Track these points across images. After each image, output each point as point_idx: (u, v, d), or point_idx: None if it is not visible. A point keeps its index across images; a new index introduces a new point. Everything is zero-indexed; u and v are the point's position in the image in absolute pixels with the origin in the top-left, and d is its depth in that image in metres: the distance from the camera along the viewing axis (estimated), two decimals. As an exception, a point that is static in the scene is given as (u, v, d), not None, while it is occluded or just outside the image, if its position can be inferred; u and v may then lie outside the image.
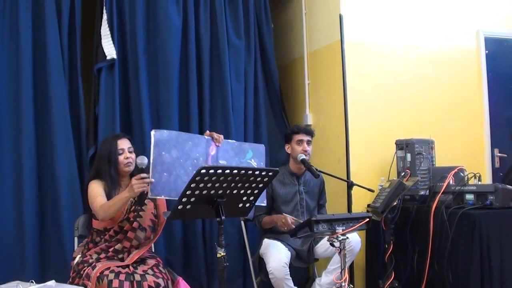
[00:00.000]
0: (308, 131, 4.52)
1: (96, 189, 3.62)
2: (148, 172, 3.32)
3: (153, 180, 3.30)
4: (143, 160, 3.36)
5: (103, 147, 3.79)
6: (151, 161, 3.31)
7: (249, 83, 5.29)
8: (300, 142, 4.45)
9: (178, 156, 3.41)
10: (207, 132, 3.63)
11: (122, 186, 3.75)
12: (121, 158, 3.69)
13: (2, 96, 4.41)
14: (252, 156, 3.73)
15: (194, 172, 3.08)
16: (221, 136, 3.63)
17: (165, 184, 3.37)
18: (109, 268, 3.40)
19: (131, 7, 4.80)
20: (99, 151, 3.86)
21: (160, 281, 3.44)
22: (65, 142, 4.47)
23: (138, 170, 3.38)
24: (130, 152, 3.73)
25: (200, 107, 5.05)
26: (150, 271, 3.49)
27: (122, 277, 3.34)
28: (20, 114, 4.40)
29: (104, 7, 4.66)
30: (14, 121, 4.41)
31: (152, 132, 3.34)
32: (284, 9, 6.09)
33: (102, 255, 3.59)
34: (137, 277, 3.38)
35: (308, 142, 4.47)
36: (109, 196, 3.60)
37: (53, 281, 3.19)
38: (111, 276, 3.32)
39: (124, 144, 3.72)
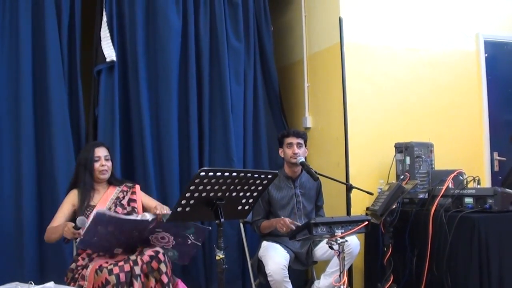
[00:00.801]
0: (298, 134, 4.51)
1: (63, 206, 3.82)
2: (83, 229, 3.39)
3: (82, 237, 3.39)
4: (83, 223, 3.36)
5: (81, 154, 3.98)
6: (85, 227, 3.36)
7: (248, 86, 5.29)
8: (290, 145, 4.45)
9: (113, 230, 3.52)
10: (155, 211, 3.71)
11: (100, 191, 3.93)
12: (96, 165, 3.87)
13: (2, 98, 4.40)
14: (193, 232, 3.80)
15: (124, 239, 3.49)
16: (166, 215, 3.66)
17: (93, 244, 3.54)
18: (107, 261, 3.49)
19: (131, 9, 4.80)
20: (78, 158, 4.01)
21: (158, 248, 3.57)
22: (64, 144, 4.47)
23: (75, 226, 3.39)
24: (106, 160, 3.91)
25: (200, 109, 5.05)
26: (145, 248, 3.62)
27: (120, 263, 3.40)
28: (19, 115, 4.40)
29: (104, 9, 4.66)
30: (14, 122, 4.40)
31: (95, 210, 3.45)
32: (284, 11, 6.09)
33: (94, 255, 3.67)
34: (133, 257, 3.46)
35: (299, 145, 4.45)
36: (81, 202, 3.78)
37: (52, 282, 3.19)
38: (110, 266, 3.37)
39: (101, 152, 3.90)
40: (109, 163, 3.93)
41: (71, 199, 3.84)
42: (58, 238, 3.65)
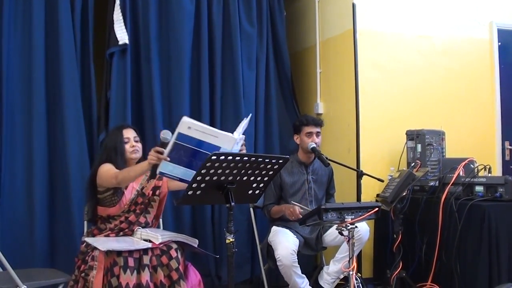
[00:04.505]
0: (318, 123, 4.50)
1: (109, 166, 3.65)
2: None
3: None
4: (166, 135, 3.12)
5: (109, 138, 3.88)
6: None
7: (260, 71, 5.28)
8: (309, 134, 4.44)
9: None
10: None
11: None
12: (127, 146, 3.78)
13: (14, 80, 4.42)
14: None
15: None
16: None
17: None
18: None
19: (144, -8, 4.80)
20: (105, 143, 3.91)
21: (172, 244, 3.54)
22: (76, 127, 4.49)
23: (161, 143, 3.14)
24: (136, 141, 3.82)
25: (212, 94, 5.05)
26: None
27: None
28: (32, 98, 4.42)
29: (117, -8, 4.66)
30: (26, 105, 4.42)
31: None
32: (297, -4, 6.08)
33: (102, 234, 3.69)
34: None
35: (318, 134, 4.46)
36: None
37: None
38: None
39: (129, 133, 3.81)
40: (139, 144, 3.84)
41: (112, 166, 3.67)
42: (137, 176, 3.52)
